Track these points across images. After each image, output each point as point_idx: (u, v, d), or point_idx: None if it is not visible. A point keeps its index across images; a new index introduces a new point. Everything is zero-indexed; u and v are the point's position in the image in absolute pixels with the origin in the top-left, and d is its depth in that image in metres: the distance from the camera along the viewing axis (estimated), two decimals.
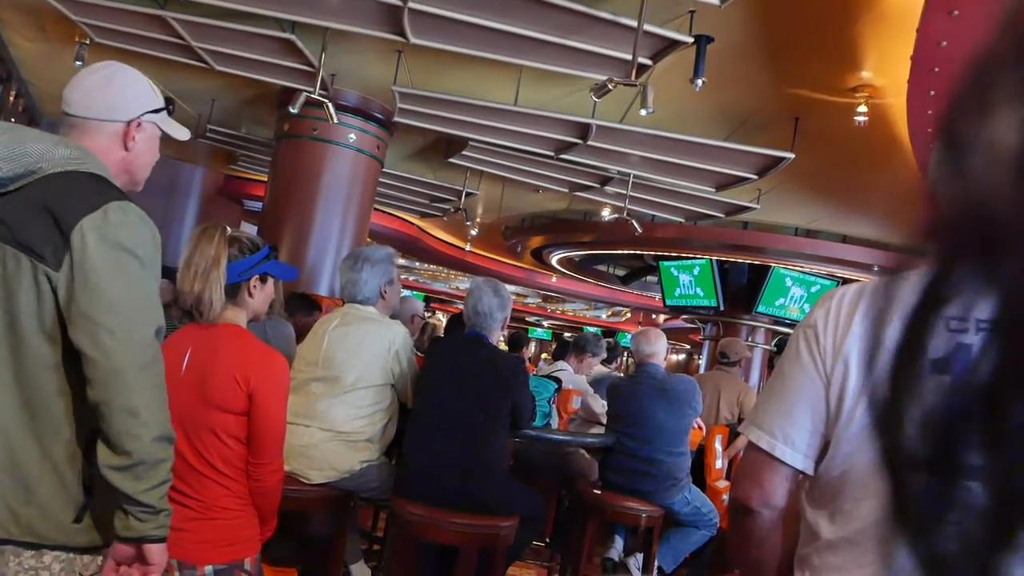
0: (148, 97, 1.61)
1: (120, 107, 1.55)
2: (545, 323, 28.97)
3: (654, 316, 20.86)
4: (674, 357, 26.80)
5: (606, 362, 6.64)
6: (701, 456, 4.64)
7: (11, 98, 7.86)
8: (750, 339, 10.38)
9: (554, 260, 13.07)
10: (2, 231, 1.36)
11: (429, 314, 20.22)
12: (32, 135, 1.41)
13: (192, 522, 1.92)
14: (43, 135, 1.43)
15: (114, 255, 1.36)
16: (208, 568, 1.91)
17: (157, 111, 1.62)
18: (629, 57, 4.21)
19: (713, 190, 7.03)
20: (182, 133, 1.72)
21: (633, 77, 4.20)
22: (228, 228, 2.05)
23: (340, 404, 2.98)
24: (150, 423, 1.35)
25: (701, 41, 4.38)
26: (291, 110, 5.76)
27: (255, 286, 2.14)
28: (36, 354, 1.35)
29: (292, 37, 5.16)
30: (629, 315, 23.96)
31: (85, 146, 1.48)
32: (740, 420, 5.23)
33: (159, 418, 1.38)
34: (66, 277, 1.34)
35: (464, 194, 8.89)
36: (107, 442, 1.35)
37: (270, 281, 2.19)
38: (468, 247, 13.42)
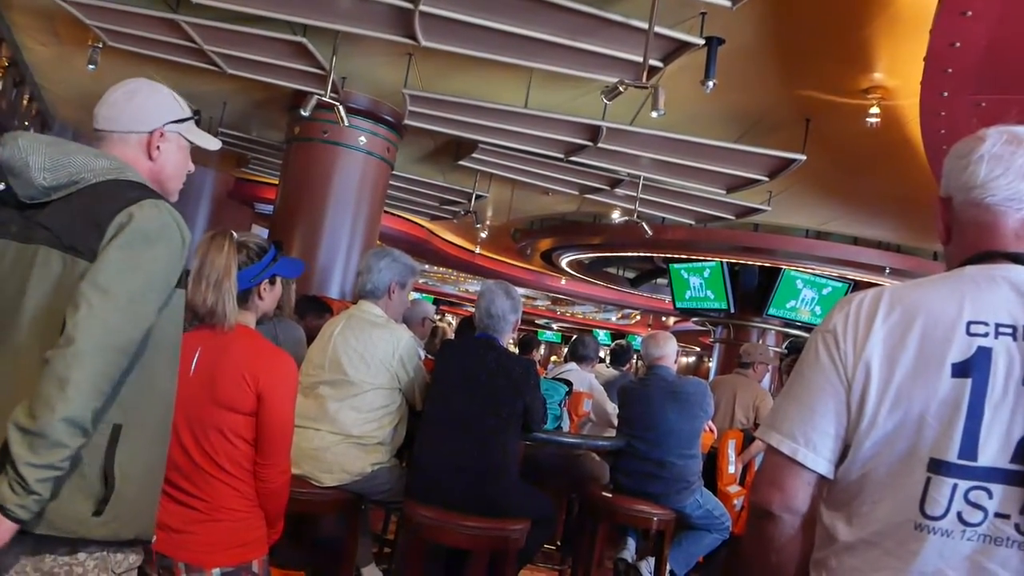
0: (170, 108, 1.65)
1: (142, 119, 1.60)
2: (555, 325, 28.98)
3: (664, 318, 20.82)
4: (684, 360, 26.74)
5: (617, 364, 6.62)
6: (713, 460, 4.62)
7: (24, 102, 7.91)
8: (761, 341, 10.33)
9: (563, 262, 13.06)
10: (48, 237, 1.41)
11: (439, 316, 20.25)
12: (74, 148, 1.48)
13: (199, 524, 1.92)
14: (84, 148, 1.50)
15: (134, 243, 1.40)
16: (216, 571, 1.91)
17: (181, 121, 1.66)
18: (640, 59, 4.19)
19: (724, 192, 7.01)
20: (211, 143, 1.76)
21: (644, 79, 4.19)
22: (235, 234, 2.05)
23: (348, 408, 2.98)
24: (72, 402, 1.29)
25: (712, 43, 4.37)
26: (302, 113, 5.79)
27: (265, 288, 2.15)
28: None
29: (303, 40, 5.17)
30: (639, 317, 23.93)
31: (119, 156, 1.54)
32: (755, 425, 5.20)
33: (83, 403, 1.31)
34: None
35: (474, 196, 8.89)
36: (30, 401, 1.31)
37: (278, 280, 2.20)
38: (478, 249, 13.45)
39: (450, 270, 18.30)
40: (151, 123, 1.60)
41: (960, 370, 1.07)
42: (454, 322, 19.45)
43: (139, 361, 1.45)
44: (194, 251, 1.98)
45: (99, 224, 1.39)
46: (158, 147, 1.61)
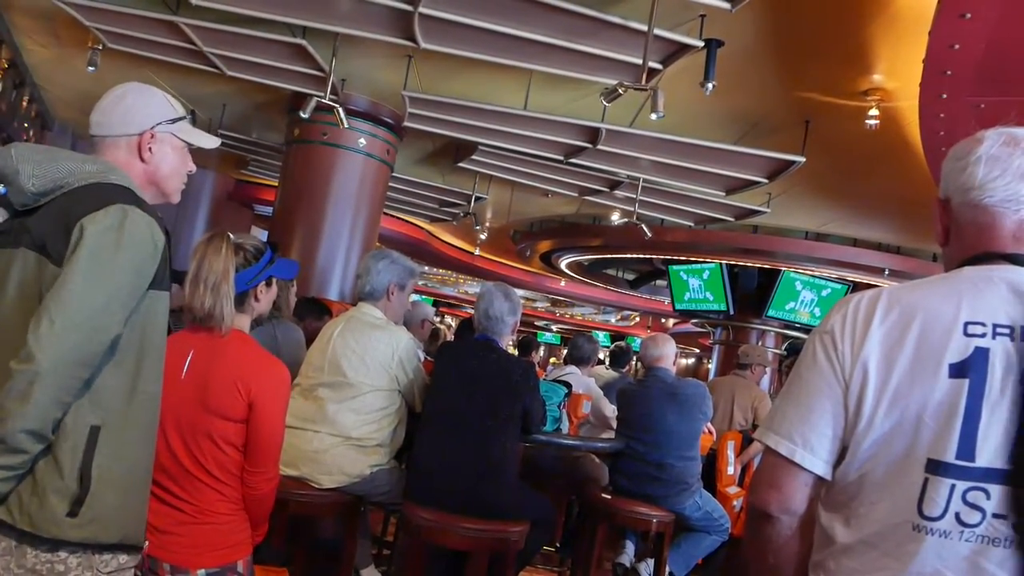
0: (161, 109, 1.65)
1: (131, 121, 1.61)
2: (554, 327, 28.97)
3: (663, 320, 20.82)
4: (683, 361, 26.74)
5: (616, 366, 6.61)
6: (712, 461, 4.62)
7: (24, 103, 7.91)
8: (760, 343, 10.33)
9: (563, 264, 13.06)
10: (29, 240, 1.45)
11: (439, 318, 20.24)
12: (65, 155, 1.52)
13: (184, 526, 1.92)
14: (74, 155, 1.53)
15: (97, 253, 1.40)
16: (201, 572, 1.90)
17: (173, 121, 1.65)
18: (639, 61, 4.19)
19: (723, 194, 7.01)
20: (207, 141, 1.76)
21: (643, 81, 4.19)
22: (231, 236, 2.04)
23: (347, 410, 2.98)
24: (31, 417, 1.33)
25: (712, 45, 4.37)
26: (302, 115, 5.79)
27: (261, 290, 2.15)
28: None
29: (303, 42, 5.17)
30: (638, 319, 23.93)
31: (110, 161, 1.57)
32: (754, 426, 5.20)
33: (43, 416, 1.36)
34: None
35: (473, 198, 8.89)
36: None
37: (274, 281, 2.20)
38: (477, 251, 13.42)
39: (449, 272, 18.30)
40: (140, 125, 1.61)
41: (957, 370, 1.08)
42: (454, 324, 19.45)
43: (121, 365, 1.47)
44: (191, 253, 1.98)
45: (68, 228, 1.42)
46: (150, 148, 1.61)
